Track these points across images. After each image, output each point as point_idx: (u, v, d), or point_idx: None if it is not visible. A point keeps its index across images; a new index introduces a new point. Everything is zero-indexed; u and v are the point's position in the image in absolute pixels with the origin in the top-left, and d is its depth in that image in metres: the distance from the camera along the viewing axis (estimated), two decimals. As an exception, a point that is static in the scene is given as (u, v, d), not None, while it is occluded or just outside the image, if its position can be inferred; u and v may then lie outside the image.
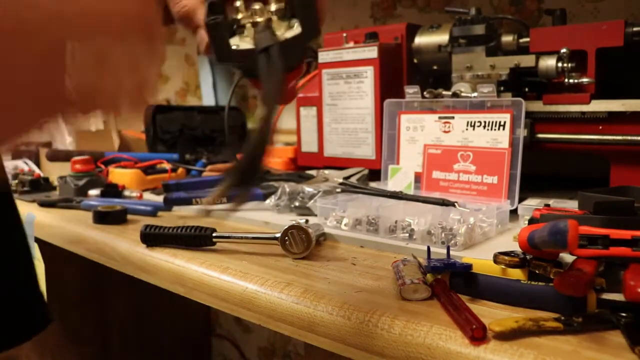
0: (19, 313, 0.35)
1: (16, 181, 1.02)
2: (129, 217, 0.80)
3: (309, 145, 0.98)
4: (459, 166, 0.72)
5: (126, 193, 0.94)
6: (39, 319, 0.35)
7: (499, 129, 0.70)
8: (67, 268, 1.16)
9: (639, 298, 0.35)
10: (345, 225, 0.65)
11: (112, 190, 0.93)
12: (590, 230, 0.41)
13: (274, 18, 0.39)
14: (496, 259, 0.47)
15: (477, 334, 0.36)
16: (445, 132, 0.75)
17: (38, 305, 0.37)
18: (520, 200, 0.67)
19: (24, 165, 1.17)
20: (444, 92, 0.78)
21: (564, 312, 0.39)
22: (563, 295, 0.39)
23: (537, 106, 0.72)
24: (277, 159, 1.04)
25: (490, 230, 0.61)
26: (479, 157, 0.71)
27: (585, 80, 0.69)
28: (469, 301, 0.43)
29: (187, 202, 0.79)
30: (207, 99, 1.59)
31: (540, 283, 0.42)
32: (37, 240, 0.87)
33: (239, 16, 0.40)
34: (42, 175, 1.10)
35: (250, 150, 0.34)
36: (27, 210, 0.89)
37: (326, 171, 0.88)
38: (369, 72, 0.87)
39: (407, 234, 0.59)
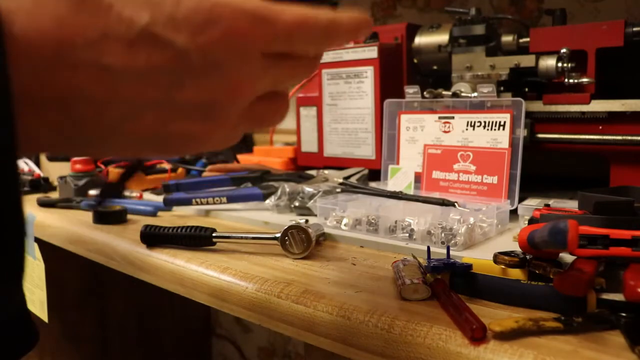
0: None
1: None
2: (129, 217, 0.80)
3: (309, 145, 0.98)
4: (459, 166, 0.72)
5: (126, 193, 0.94)
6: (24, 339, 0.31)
7: (499, 129, 0.70)
8: (67, 268, 1.16)
9: (639, 298, 0.35)
10: (345, 225, 0.65)
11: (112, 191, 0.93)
12: (590, 230, 0.41)
13: None
14: (496, 259, 0.47)
15: (477, 334, 0.36)
16: (445, 132, 0.75)
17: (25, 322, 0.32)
18: (520, 200, 0.67)
19: (24, 165, 1.17)
20: (444, 92, 0.78)
21: (564, 312, 0.39)
22: (563, 295, 0.39)
23: (537, 106, 0.72)
24: (277, 159, 1.04)
25: (490, 230, 0.61)
26: (479, 157, 0.71)
27: (585, 80, 0.69)
28: (469, 301, 0.43)
29: (187, 202, 0.79)
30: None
31: (540, 283, 0.42)
32: (37, 240, 0.87)
33: None
34: (42, 175, 1.10)
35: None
36: (27, 210, 0.89)
37: (326, 171, 0.88)
38: (369, 72, 0.87)
39: (407, 234, 0.59)
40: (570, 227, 0.36)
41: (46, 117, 0.24)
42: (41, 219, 0.85)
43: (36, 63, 0.23)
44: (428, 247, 0.50)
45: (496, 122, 0.71)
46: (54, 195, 1.00)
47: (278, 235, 0.58)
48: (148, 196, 0.95)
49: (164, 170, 1.04)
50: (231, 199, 0.78)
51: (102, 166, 1.06)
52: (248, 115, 0.30)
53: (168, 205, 0.80)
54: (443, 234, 0.57)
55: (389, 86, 0.87)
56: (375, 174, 0.85)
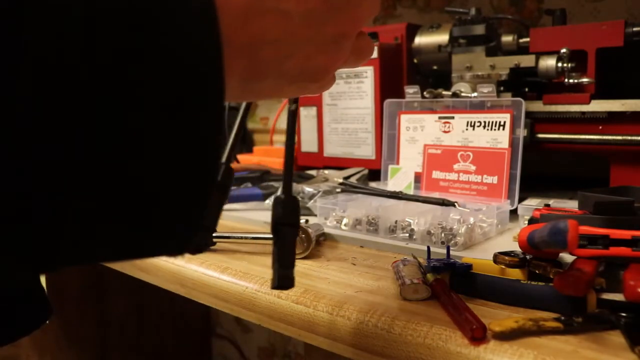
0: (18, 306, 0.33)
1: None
2: (129, 217, 0.80)
3: (309, 145, 0.98)
4: (459, 166, 0.72)
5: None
6: (38, 313, 0.33)
7: (499, 129, 0.70)
8: (66, 268, 1.16)
9: (639, 298, 0.35)
10: (345, 225, 0.65)
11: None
12: (590, 230, 0.41)
13: None
14: (496, 259, 0.47)
15: (477, 334, 0.36)
16: (445, 132, 0.75)
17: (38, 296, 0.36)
18: (520, 200, 0.67)
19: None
20: (444, 92, 0.78)
21: (564, 312, 0.39)
22: (563, 295, 0.39)
23: (537, 106, 0.72)
24: (277, 159, 1.04)
25: (490, 230, 0.61)
26: (479, 157, 0.71)
27: (585, 80, 0.69)
28: (469, 301, 0.43)
29: (187, 202, 0.78)
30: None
31: (540, 283, 0.42)
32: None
33: None
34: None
35: None
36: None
37: (326, 171, 0.88)
38: (369, 72, 0.87)
39: (407, 234, 0.59)
40: (570, 227, 0.36)
41: (237, 64, 0.27)
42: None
43: (233, 14, 0.26)
44: (428, 247, 0.50)
45: (496, 122, 0.71)
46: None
47: (278, 235, 0.58)
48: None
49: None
50: (231, 199, 0.78)
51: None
52: (354, 48, 0.35)
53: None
54: (443, 234, 0.57)
55: (389, 86, 0.87)
56: (375, 174, 0.85)
